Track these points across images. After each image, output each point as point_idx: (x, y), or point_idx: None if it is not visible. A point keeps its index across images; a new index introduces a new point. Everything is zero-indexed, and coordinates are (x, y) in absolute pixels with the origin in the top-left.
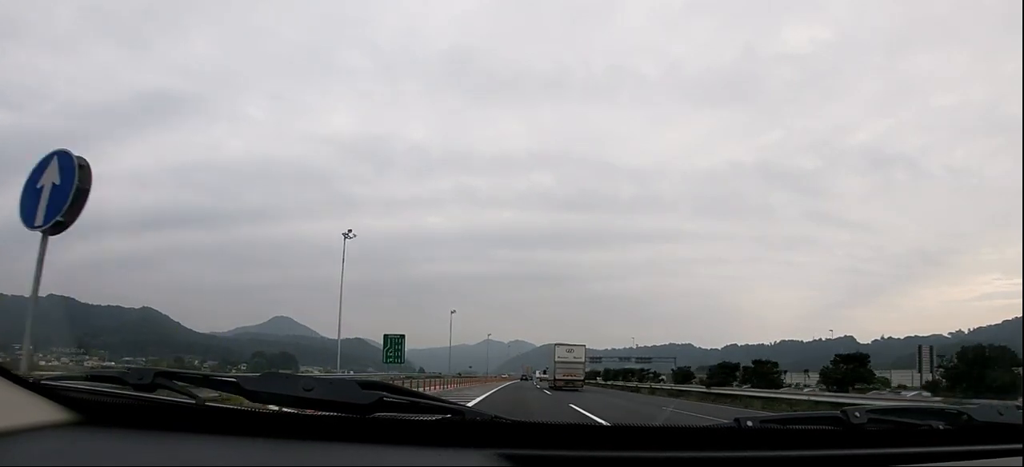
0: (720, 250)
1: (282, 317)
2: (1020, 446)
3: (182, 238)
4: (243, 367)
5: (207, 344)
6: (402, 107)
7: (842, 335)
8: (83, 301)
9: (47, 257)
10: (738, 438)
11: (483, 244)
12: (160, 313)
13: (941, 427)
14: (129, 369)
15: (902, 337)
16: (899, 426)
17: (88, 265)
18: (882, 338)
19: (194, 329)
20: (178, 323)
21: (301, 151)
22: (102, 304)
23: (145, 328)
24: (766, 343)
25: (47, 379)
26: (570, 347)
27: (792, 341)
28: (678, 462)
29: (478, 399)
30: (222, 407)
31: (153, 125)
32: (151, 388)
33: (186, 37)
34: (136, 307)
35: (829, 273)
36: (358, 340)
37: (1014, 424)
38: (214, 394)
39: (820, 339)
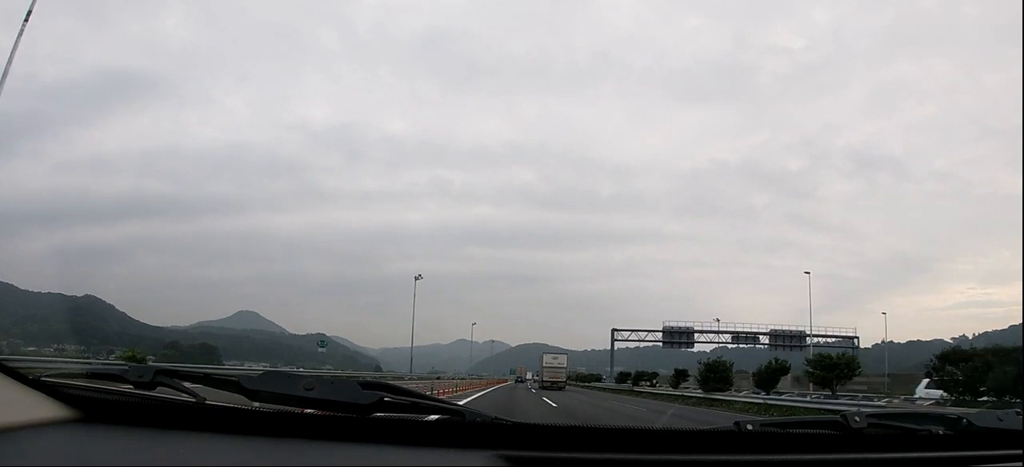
0: (700, 252)
1: (247, 312)
2: (1020, 452)
3: (144, 227)
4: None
5: (151, 336)
6: (376, 94)
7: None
8: (23, 288)
9: None
10: (738, 442)
11: (458, 241)
12: (104, 302)
13: (941, 432)
14: (130, 366)
15: (903, 342)
16: (899, 431)
17: (43, 253)
18: (883, 342)
19: (142, 321)
20: (124, 314)
21: (271, 138)
22: (42, 291)
23: (79, 318)
24: (759, 346)
25: (48, 375)
26: (555, 355)
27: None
28: (678, 465)
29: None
30: (222, 405)
31: (116, 107)
32: (151, 386)
33: (152, 13)
34: (79, 295)
35: (811, 278)
36: (319, 336)
37: (1014, 430)
38: (215, 392)
39: (818, 342)
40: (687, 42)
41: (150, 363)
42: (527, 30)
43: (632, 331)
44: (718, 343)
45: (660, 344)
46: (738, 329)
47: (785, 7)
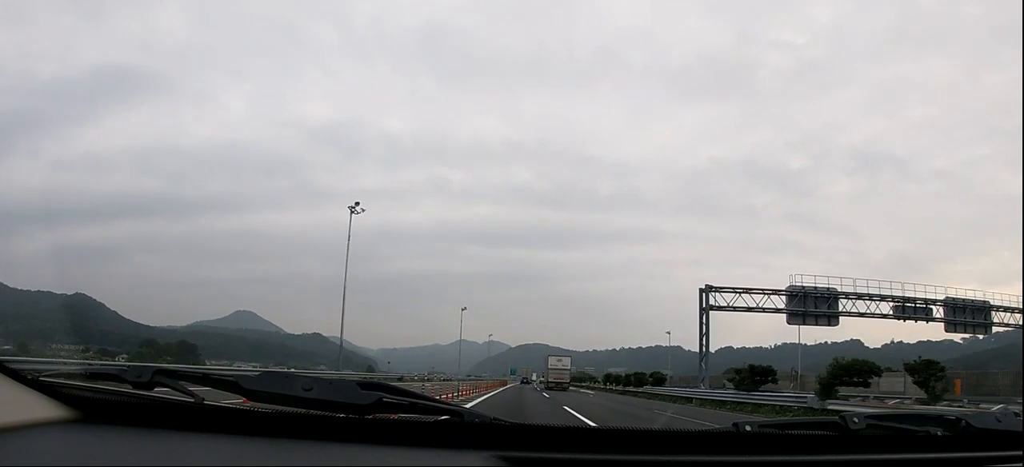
0: (700, 251)
1: (244, 311)
2: (1019, 453)
3: (140, 226)
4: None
5: (143, 336)
6: (373, 91)
7: (849, 339)
8: (11, 286)
9: None
10: (736, 443)
11: (457, 240)
12: (94, 301)
13: (939, 433)
14: (129, 367)
15: (913, 342)
16: (897, 432)
17: (36, 251)
18: (892, 342)
19: (135, 320)
20: (115, 312)
21: (268, 136)
22: (32, 289)
23: (66, 317)
24: (765, 346)
25: (46, 375)
26: (559, 357)
27: (793, 344)
28: (676, 466)
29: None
30: (221, 406)
31: (111, 104)
32: (150, 386)
33: (148, 9)
34: (68, 293)
35: (810, 279)
36: (316, 336)
37: (1013, 431)
38: (214, 392)
39: (825, 342)
40: (688, 38)
41: (121, 362)
42: (526, 25)
43: (736, 291)
44: (870, 316)
45: (782, 315)
46: (906, 294)
47: (787, 4)
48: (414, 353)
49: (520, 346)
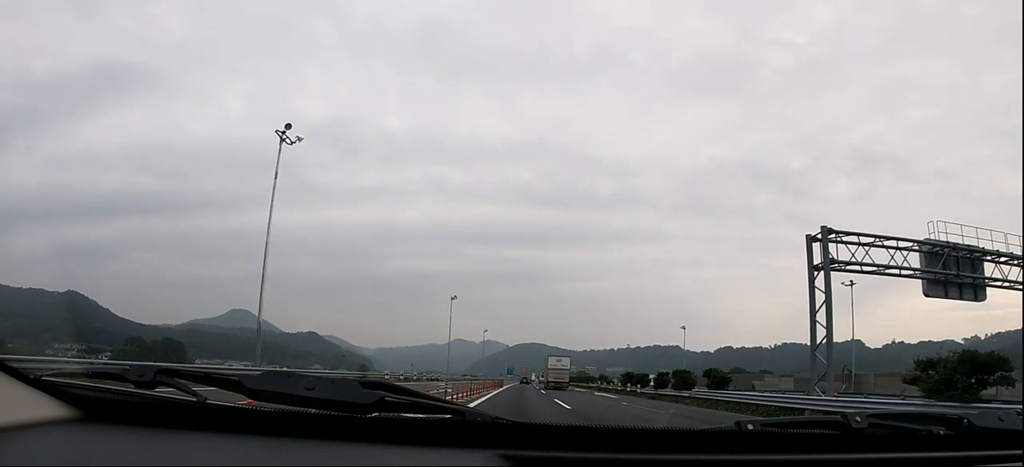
0: (700, 251)
1: (240, 310)
2: (1021, 452)
3: (136, 224)
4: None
5: (134, 334)
6: (372, 88)
7: (848, 339)
8: (5, 284)
9: None
10: (739, 441)
11: (455, 239)
12: (87, 298)
13: (942, 432)
14: (131, 366)
15: (915, 342)
16: (900, 431)
17: (30, 249)
18: (893, 343)
19: (129, 318)
20: (108, 310)
21: (264, 134)
22: (23, 287)
23: (57, 315)
24: (765, 346)
25: (48, 375)
26: (559, 358)
27: (794, 344)
28: (679, 465)
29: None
30: (223, 405)
31: (108, 101)
32: (152, 385)
33: (143, 5)
34: (60, 291)
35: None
36: (311, 334)
37: (1015, 430)
38: (216, 391)
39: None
40: (688, 37)
41: (104, 359)
42: (525, 24)
43: (859, 240)
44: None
45: (915, 277)
46: None
47: (787, 4)
48: (411, 352)
49: (518, 345)
